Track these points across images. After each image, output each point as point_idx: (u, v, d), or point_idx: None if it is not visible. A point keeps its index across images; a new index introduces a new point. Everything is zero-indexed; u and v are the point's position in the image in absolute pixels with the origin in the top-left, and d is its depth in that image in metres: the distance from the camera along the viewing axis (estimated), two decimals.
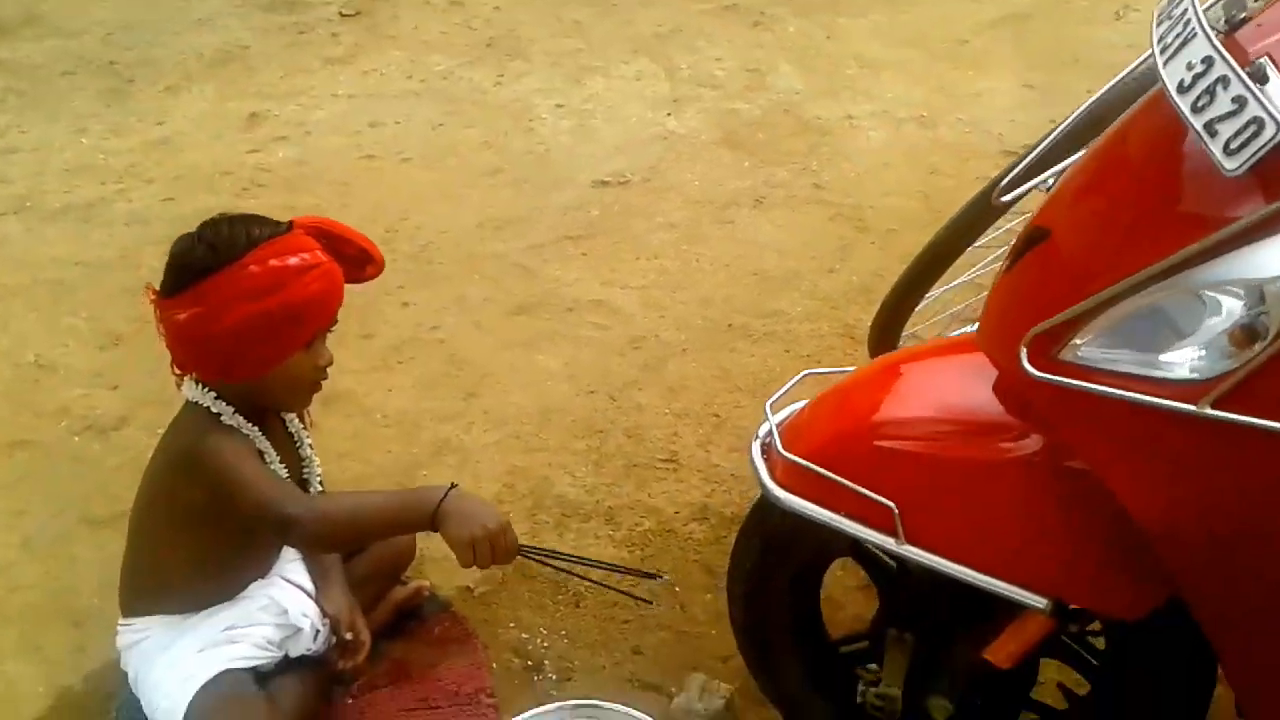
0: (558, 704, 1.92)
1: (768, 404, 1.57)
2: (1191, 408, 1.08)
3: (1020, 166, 1.46)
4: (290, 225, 1.71)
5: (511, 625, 2.13)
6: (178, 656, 1.82)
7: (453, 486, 1.58)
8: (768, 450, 1.54)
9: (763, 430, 1.57)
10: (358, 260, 1.77)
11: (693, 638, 2.09)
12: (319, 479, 1.98)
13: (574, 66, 4.19)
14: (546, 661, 2.06)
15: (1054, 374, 1.18)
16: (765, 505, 1.61)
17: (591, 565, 1.75)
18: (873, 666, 1.65)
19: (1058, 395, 1.21)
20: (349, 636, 1.89)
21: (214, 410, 1.74)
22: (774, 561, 1.64)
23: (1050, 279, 1.24)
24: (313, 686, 1.92)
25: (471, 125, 3.84)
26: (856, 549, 1.65)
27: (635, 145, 3.70)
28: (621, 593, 1.87)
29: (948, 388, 1.45)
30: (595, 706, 1.90)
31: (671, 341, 2.86)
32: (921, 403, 1.45)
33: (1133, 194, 1.25)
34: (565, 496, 2.41)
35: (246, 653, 1.84)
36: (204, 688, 1.77)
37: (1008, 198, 1.52)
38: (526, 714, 1.89)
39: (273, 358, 1.69)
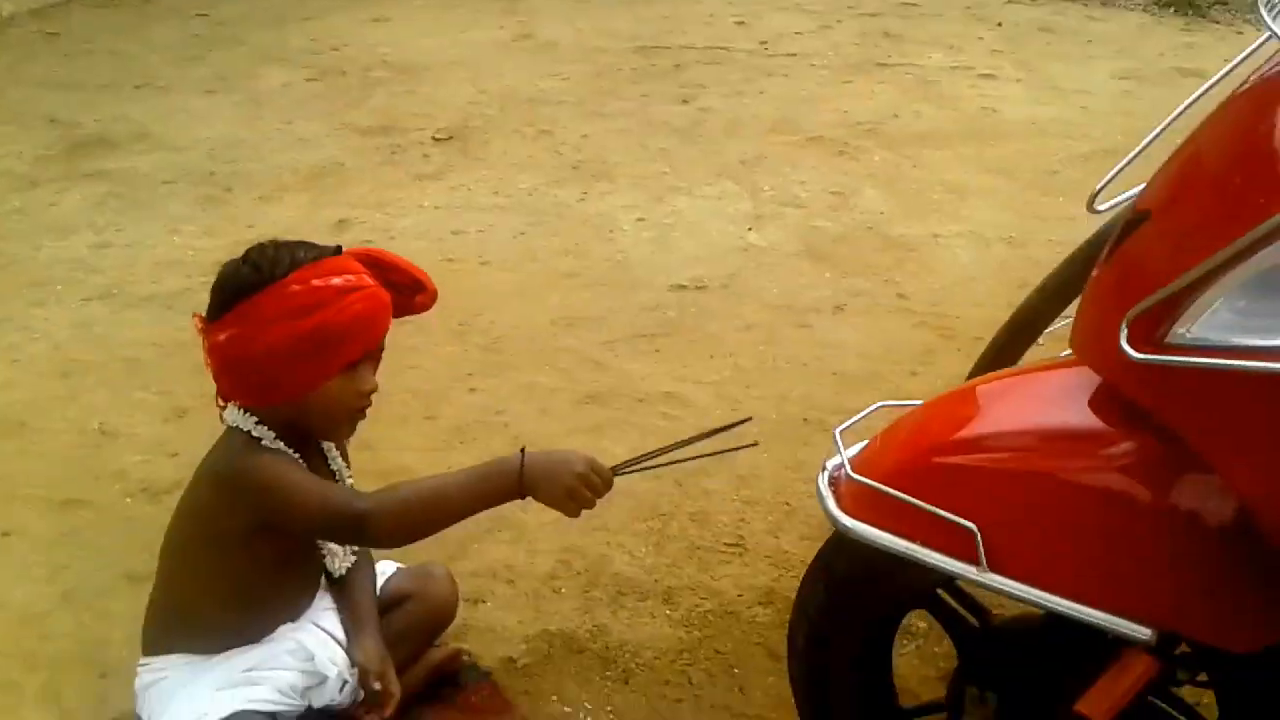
0: None
1: (836, 431, 1.45)
2: None
3: (1117, 169, 1.35)
4: (339, 249, 1.67)
5: (554, 698, 1.98)
6: (194, 694, 1.70)
7: (523, 450, 1.56)
8: (836, 483, 1.41)
9: (831, 463, 1.45)
10: (409, 288, 1.70)
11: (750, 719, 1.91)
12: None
13: (658, 187, 4.21)
14: None
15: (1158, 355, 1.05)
16: (832, 546, 1.48)
17: (682, 444, 1.62)
18: None
19: (1163, 382, 1.07)
20: (377, 687, 1.76)
21: (255, 434, 1.67)
22: (841, 610, 1.48)
23: (1151, 257, 1.12)
24: None
25: (553, 235, 3.85)
26: (933, 601, 1.49)
27: (715, 255, 3.67)
28: (723, 452, 1.69)
29: (1036, 403, 1.32)
30: None
31: (744, 433, 2.73)
32: (1006, 418, 1.32)
33: (1235, 163, 1.13)
34: (622, 574, 2.27)
35: (267, 696, 1.71)
36: None
37: (1104, 206, 1.40)
38: None
39: (313, 380, 1.62)
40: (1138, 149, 1.37)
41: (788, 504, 2.48)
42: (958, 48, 6.06)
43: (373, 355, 1.67)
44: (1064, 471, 1.21)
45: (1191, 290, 1.03)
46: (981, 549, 1.23)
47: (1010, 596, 1.23)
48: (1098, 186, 1.32)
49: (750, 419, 1.75)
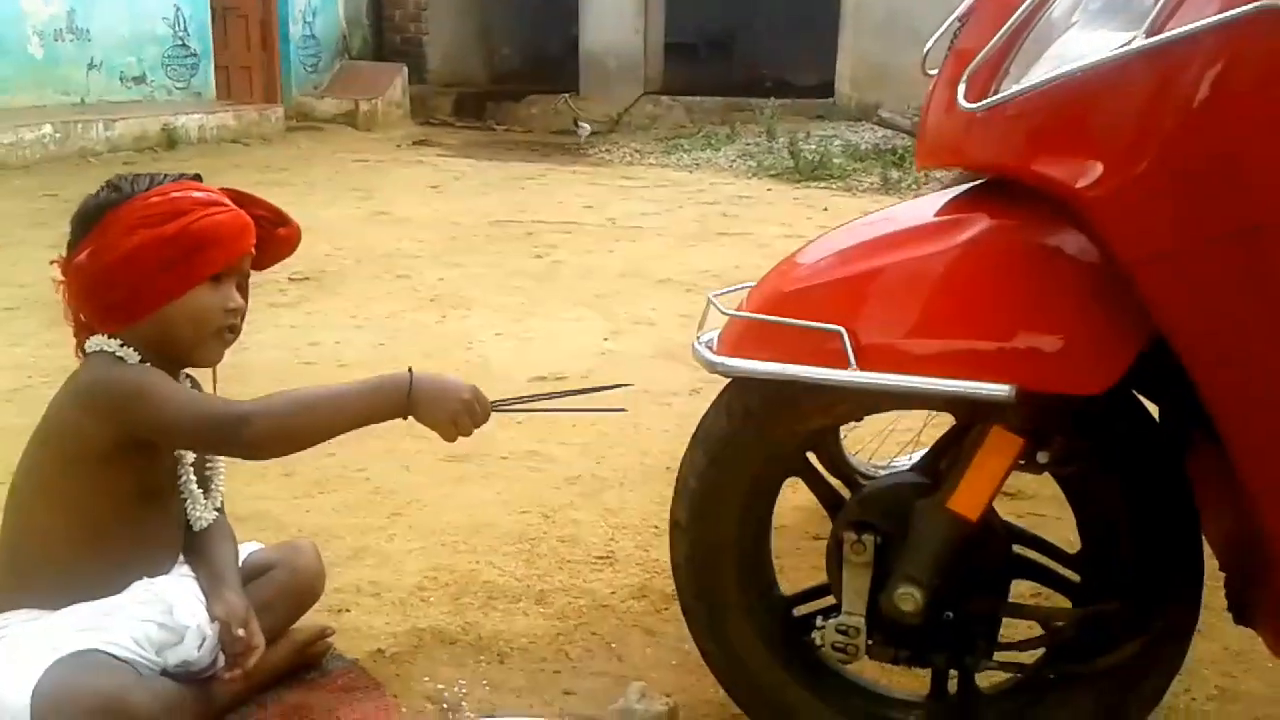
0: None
1: (710, 295, 1.52)
2: (1132, 44, 1.08)
3: (940, 31, 1.48)
4: (198, 175, 1.71)
5: (426, 679, 1.89)
6: (40, 640, 1.57)
7: (410, 371, 1.59)
8: (710, 345, 1.47)
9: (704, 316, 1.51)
10: (270, 221, 1.72)
11: (631, 680, 1.85)
12: (222, 476, 1.83)
13: (516, 313, 4.32)
14: (465, 704, 1.81)
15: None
16: (709, 416, 1.53)
17: (561, 394, 1.68)
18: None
19: (1004, 133, 1.20)
20: (240, 633, 1.66)
21: (119, 355, 1.63)
22: (719, 478, 1.51)
23: (976, 34, 1.27)
24: (195, 698, 1.66)
25: (412, 344, 3.89)
26: (806, 468, 1.53)
27: (574, 357, 3.76)
28: (596, 410, 1.77)
29: (885, 223, 1.42)
30: None
31: (609, 478, 2.76)
32: (857, 238, 1.41)
33: None
34: (493, 582, 2.22)
35: (121, 642, 1.59)
36: (63, 659, 1.52)
37: (934, 71, 1.52)
38: None
39: (176, 286, 1.59)
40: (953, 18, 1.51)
41: (656, 528, 2.48)
42: (790, 224, 6.51)
43: (237, 273, 1.67)
44: (915, 255, 1.30)
45: (1011, 43, 1.17)
46: (850, 349, 1.30)
47: (880, 389, 1.29)
48: (926, 49, 1.47)
49: (630, 385, 1.86)
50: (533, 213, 6.61)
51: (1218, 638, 1.98)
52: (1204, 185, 1.06)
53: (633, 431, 3.09)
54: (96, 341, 1.65)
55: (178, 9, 9.66)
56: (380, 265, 5.11)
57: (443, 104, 11.98)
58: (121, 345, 1.63)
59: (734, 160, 8.99)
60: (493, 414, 1.65)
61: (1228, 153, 1.05)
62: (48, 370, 3.40)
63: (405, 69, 11.48)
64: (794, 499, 2.57)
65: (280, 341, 3.88)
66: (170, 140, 8.45)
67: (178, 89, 9.72)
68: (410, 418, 1.63)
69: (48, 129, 7.65)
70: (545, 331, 4.08)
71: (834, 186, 7.95)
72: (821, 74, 11.64)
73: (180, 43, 9.72)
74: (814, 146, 8.83)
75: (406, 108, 11.42)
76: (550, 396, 1.74)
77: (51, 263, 1.70)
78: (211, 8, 9.98)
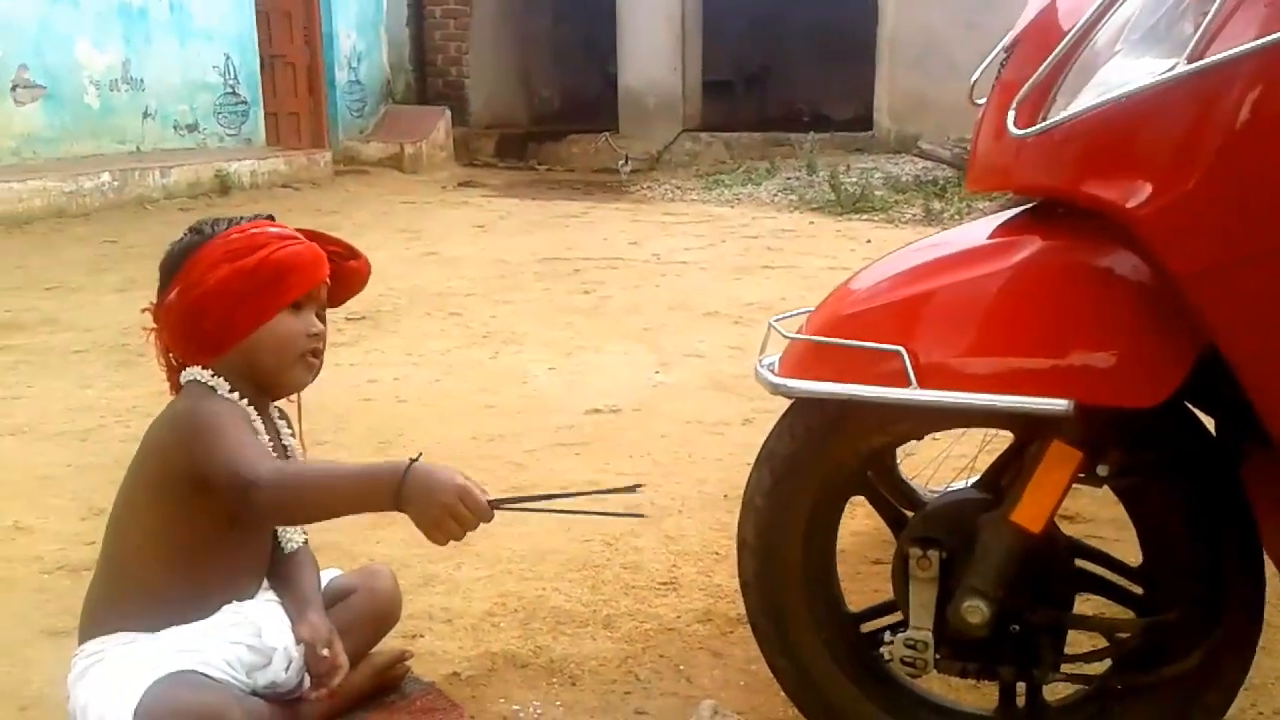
0: None
1: (771, 321, 1.58)
2: (1174, 70, 1.13)
3: (988, 60, 1.55)
4: (271, 217, 1.82)
5: (502, 700, 1.94)
6: (136, 664, 1.65)
7: (415, 460, 1.51)
8: (771, 368, 1.53)
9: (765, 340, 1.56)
10: (340, 255, 1.82)
11: (700, 700, 1.90)
12: None
13: (567, 347, 4.40)
14: None
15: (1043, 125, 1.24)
16: (773, 436, 1.58)
17: (570, 495, 1.60)
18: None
19: (1055, 157, 1.26)
20: (325, 653, 1.73)
21: (210, 385, 1.73)
22: (784, 496, 1.56)
23: (1023, 64, 1.33)
24: (284, 718, 1.72)
25: (466, 381, 3.98)
26: (868, 487, 1.58)
27: (626, 390, 3.82)
28: (612, 515, 1.66)
29: (942, 246, 1.48)
30: None
31: (668, 506, 2.82)
32: (916, 261, 1.47)
33: None
34: (560, 608, 2.28)
35: (214, 663, 1.67)
36: (162, 678, 1.60)
37: (982, 100, 1.58)
38: None
39: (259, 314, 1.70)
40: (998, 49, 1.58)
41: (717, 554, 2.53)
42: (833, 256, 6.57)
43: (316, 302, 1.76)
44: (973, 275, 1.36)
45: (1057, 72, 1.23)
46: (910, 368, 1.35)
47: (940, 406, 1.35)
48: (973, 79, 1.53)
49: (640, 486, 1.71)
50: (578, 250, 6.71)
51: None
52: (1250, 202, 1.11)
53: (688, 461, 3.15)
54: (190, 373, 1.74)
55: (228, 58, 9.92)
56: (432, 304, 5.22)
57: (485, 145, 12.18)
58: (213, 375, 1.72)
59: (775, 195, 9.07)
60: (496, 512, 1.54)
61: (1271, 170, 1.10)
62: (118, 410, 3.52)
63: (448, 112, 11.70)
64: (852, 524, 2.62)
65: (340, 379, 3.98)
66: (223, 186, 8.66)
67: (229, 136, 9.97)
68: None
69: (106, 177, 7.87)
70: (596, 365, 4.15)
71: (876, 218, 8.01)
72: (858, 107, 11.74)
73: (231, 90, 9.97)
74: (855, 179, 8.89)
75: (450, 150, 11.62)
76: (562, 496, 1.63)
77: (143, 310, 1.80)
78: (260, 56, 10.24)
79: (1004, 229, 1.43)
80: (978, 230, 1.46)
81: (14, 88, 8.20)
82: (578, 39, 13.74)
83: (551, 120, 13.36)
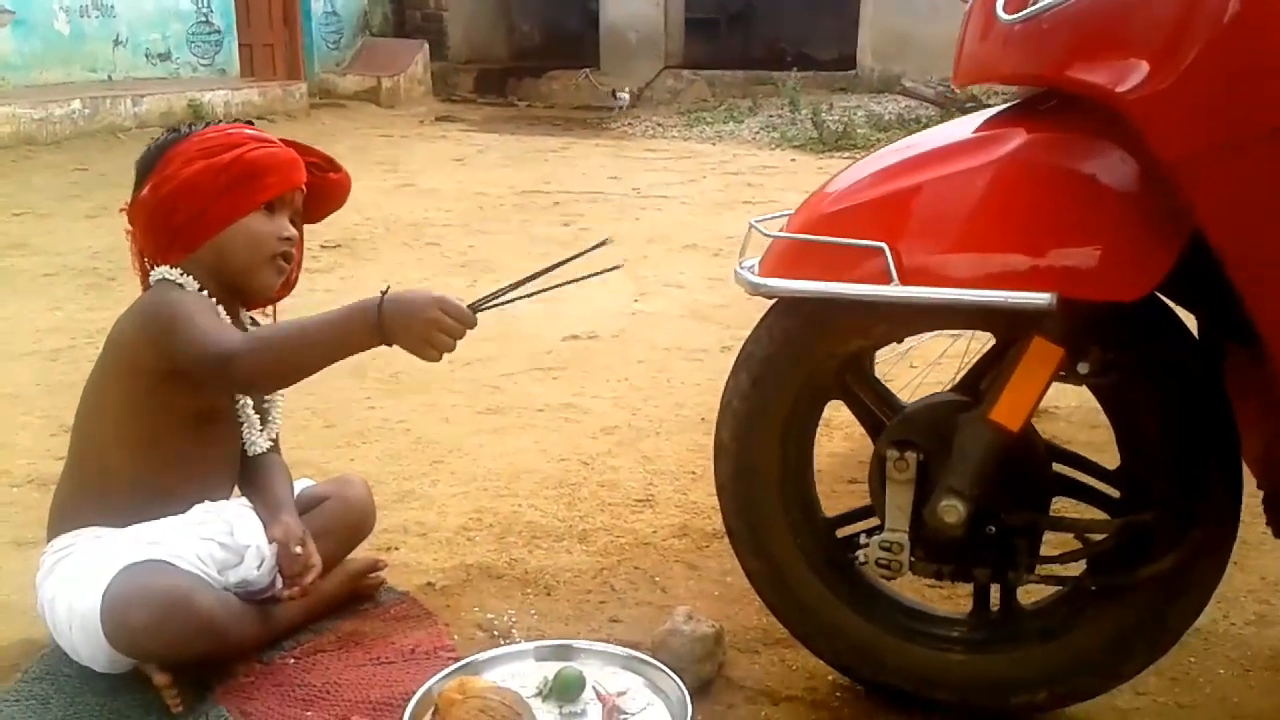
0: (529, 643, 1.74)
1: (752, 221, 1.55)
2: None
3: None
4: (251, 123, 1.81)
5: (476, 609, 1.93)
6: (102, 552, 1.63)
7: (385, 292, 1.52)
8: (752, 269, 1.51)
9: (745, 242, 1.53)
10: (320, 166, 1.81)
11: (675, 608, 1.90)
12: (279, 409, 1.89)
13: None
14: (515, 632, 1.86)
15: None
16: (752, 339, 1.56)
17: (543, 272, 1.57)
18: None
19: (1041, 43, 1.23)
20: (298, 550, 1.71)
21: (179, 283, 1.70)
22: (762, 398, 1.54)
23: None
24: (255, 616, 1.71)
25: None
26: (847, 392, 1.56)
27: (604, 317, 3.80)
28: (588, 276, 1.61)
29: (922, 143, 1.45)
30: (566, 646, 1.72)
31: (645, 428, 2.81)
32: (897, 158, 1.44)
33: None
34: (536, 523, 2.27)
35: (184, 554, 1.65)
36: (130, 566, 1.58)
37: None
38: (490, 652, 1.71)
39: (232, 210, 1.68)
40: None
41: (693, 473, 2.52)
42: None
43: (290, 207, 1.74)
44: (956, 171, 1.33)
45: None
46: (892, 265, 1.33)
47: (923, 302, 1.33)
48: None
49: (608, 240, 1.66)
50: (558, 183, 6.65)
51: (1255, 569, 2.02)
52: (1244, 84, 1.09)
53: (666, 386, 3.13)
54: (159, 271, 1.71)
55: None
56: (409, 234, 5.17)
57: (464, 80, 12.02)
58: (182, 274, 1.69)
59: (757, 132, 9.00)
60: (478, 315, 1.57)
61: (1267, 51, 1.08)
62: (89, 331, 3.46)
63: (426, 46, 11.52)
64: (829, 445, 2.62)
65: (316, 305, 3.86)
66: (196, 116, 8.48)
67: (202, 66, 9.79)
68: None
69: (76, 105, 7.73)
70: (575, 294, 4.06)
71: (858, 156, 7.90)
72: (842, 47, 11.62)
73: (204, 19, 9.78)
74: (837, 117, 8.82)
75: (428, 84, 11.47)
76: (537, 275, 1.59)
77: (120, 210, 1.78)
78: None
79: (988, 125, 1.40)
80: (961, 127, 1.43)
81: None
82: None
83: (532, 56, 13.18)
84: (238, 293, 1.75)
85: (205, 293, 1.69)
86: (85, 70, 8.76)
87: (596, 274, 1.61)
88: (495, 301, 1.58)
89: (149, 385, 1.65)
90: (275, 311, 1.87)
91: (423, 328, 1.50)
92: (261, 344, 1.61)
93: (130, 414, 1.67)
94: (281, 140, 1.78)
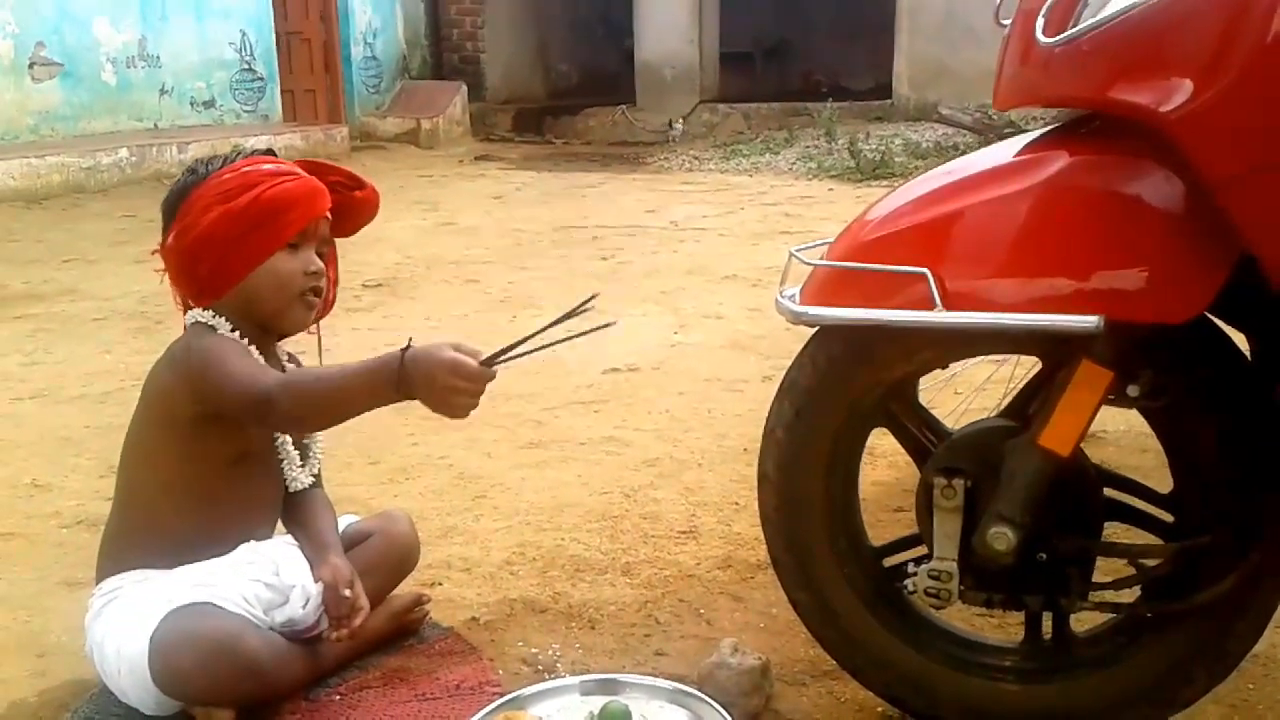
0: (574, 677, 1.73)
1: (792, 250, 1.55)
2: None
3: None
4: (270, 150, 1.79)
5: (520, 644, 1.93)
6: (150, 595, 1.65)
7: (407, 347, 1.52)
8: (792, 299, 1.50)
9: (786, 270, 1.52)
10: (345, 185, 1.77)
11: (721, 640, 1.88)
12: (320, 444, 1.90)
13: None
14: (560, 666, 1.85)
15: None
16: (794, 367, 1.55)
17: (545, 329, 1.57)
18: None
19: (1084, 65, 1.22)
20: (346, 594, 1.71)
21: (211, 324, 1.71)
22: (806, 428, 1.53)
23: None
24: (301, 655, 1.71)
25: (485, 343, 3.93)
26: (891, 419, 1.55)
27: (645, 350, 3.80)
28: (588, 332, 1.62)
29: (963, 169, 1.44)
30: (612, 680, 1.71)
31: (687, 460, 2.80)
32: (937, 184, 1.43)
33: None
34: (579, 556, 2.26)
35: (231, 598, 1.66)
36: (178, 609, 1.59)
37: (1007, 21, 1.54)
38: (535, 687, 1.70)
39: (254, 256, 1.67)
40: None
41: (736, 504, 2.51)
42: None
43: (315, 238, 1.72)
44: (999, 195, 1.32)
45: None
46: (935, 291, 1.32)
47: (967, 328, 1.32)
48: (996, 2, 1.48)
49: (596, 295, 1.62)
50: (596, 218, 6.68)
51: None
52: None
53: (707, 417, 3.12)
54: (193, 315, 1.73)
55: (244, 34, 9.90)
56: (450, 271, 5.21)
57: (502, 120, 12.13)
58: (214, 316, 1.71)
59: (794, 163, 9.00)
60: (496, 369, 1.57)
61: None
62: (138, 374, 3.46)
63: (464, 87, 11.64)
64: (873, 474, 2.59)
65: (359, 344, 3.96)
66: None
67: (245, 112, 9.96)
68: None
69: (124, 153, 7.88)
70: (616, 328, 4.11)
71: (896, 184, 7.88)
72: (877, 77, 11.62)
73: (247, 67, 9.96)
74: (874, 146, 8.81)
75: (467, 125, 11.58)
76: (538, 333, 1.60)
77: (153, 253, 1.79)
78: (276, 33, 10.21)
79: (1029, 148, 1.39)
80: (1002, 151, 1.42)
81: (31, 65, 8.21)
82: (595, 13, 13.64)
83: (569, 94, 13.29)
84: (270, 330, 1.76)
85: (238, 334, 1.70)
86: (132, 119, 8.93)
87: (590, 331, 1.63)
88: (507, 358, 1.59)
89: (187, 432, 1.66)
90: (319, 330, 1.86)
91: (441, 392, 1.51)
92: (294, 390, 1.62)
93: (171, 460, 1.69)
94: (301, 163, 1.76)
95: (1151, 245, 1.24)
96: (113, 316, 4.37)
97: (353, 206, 1.78)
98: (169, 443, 1.69)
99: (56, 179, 7.40)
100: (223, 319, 1.71)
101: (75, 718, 1.73)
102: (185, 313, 1.77)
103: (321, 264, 1.73)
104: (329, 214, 1.74)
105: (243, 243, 1.66)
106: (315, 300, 1.74)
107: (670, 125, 10.90)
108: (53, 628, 2.01)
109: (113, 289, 4.80)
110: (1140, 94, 1.16)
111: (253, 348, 1.71)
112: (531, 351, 1.59)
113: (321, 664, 1.76)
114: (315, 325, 1.83)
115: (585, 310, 1.58)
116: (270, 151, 1.78)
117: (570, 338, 1.60)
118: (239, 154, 1.74)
